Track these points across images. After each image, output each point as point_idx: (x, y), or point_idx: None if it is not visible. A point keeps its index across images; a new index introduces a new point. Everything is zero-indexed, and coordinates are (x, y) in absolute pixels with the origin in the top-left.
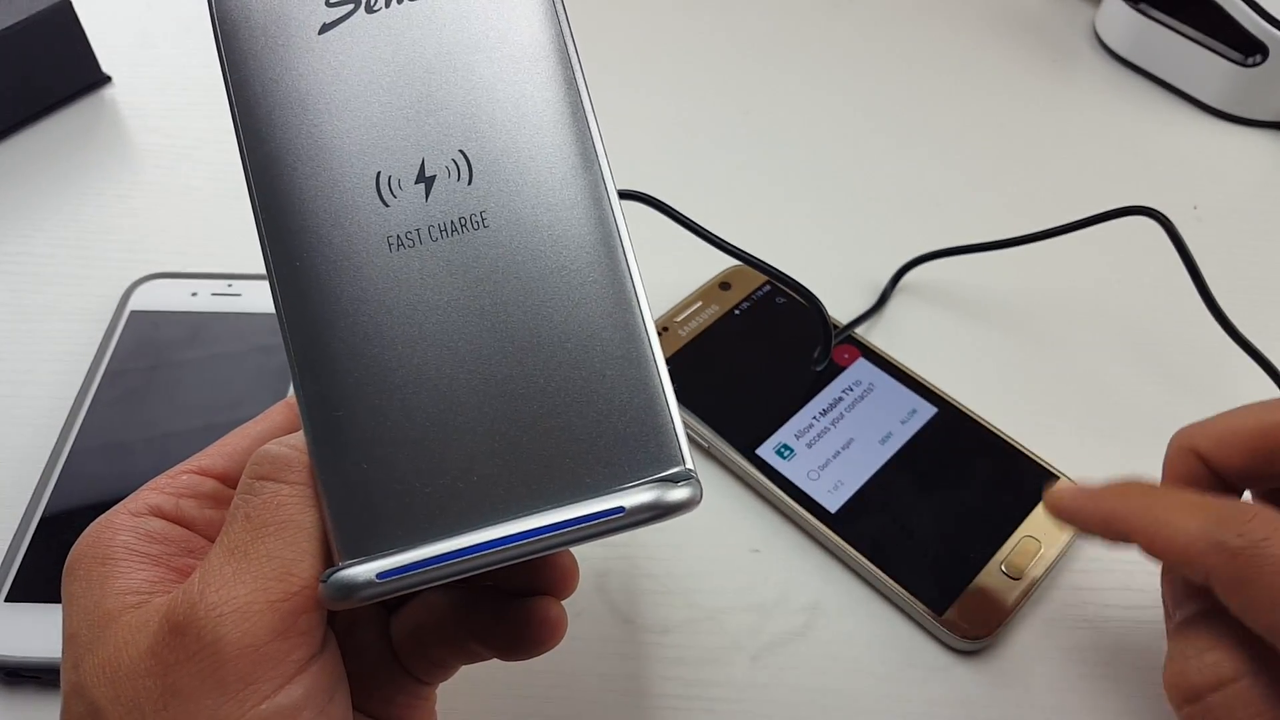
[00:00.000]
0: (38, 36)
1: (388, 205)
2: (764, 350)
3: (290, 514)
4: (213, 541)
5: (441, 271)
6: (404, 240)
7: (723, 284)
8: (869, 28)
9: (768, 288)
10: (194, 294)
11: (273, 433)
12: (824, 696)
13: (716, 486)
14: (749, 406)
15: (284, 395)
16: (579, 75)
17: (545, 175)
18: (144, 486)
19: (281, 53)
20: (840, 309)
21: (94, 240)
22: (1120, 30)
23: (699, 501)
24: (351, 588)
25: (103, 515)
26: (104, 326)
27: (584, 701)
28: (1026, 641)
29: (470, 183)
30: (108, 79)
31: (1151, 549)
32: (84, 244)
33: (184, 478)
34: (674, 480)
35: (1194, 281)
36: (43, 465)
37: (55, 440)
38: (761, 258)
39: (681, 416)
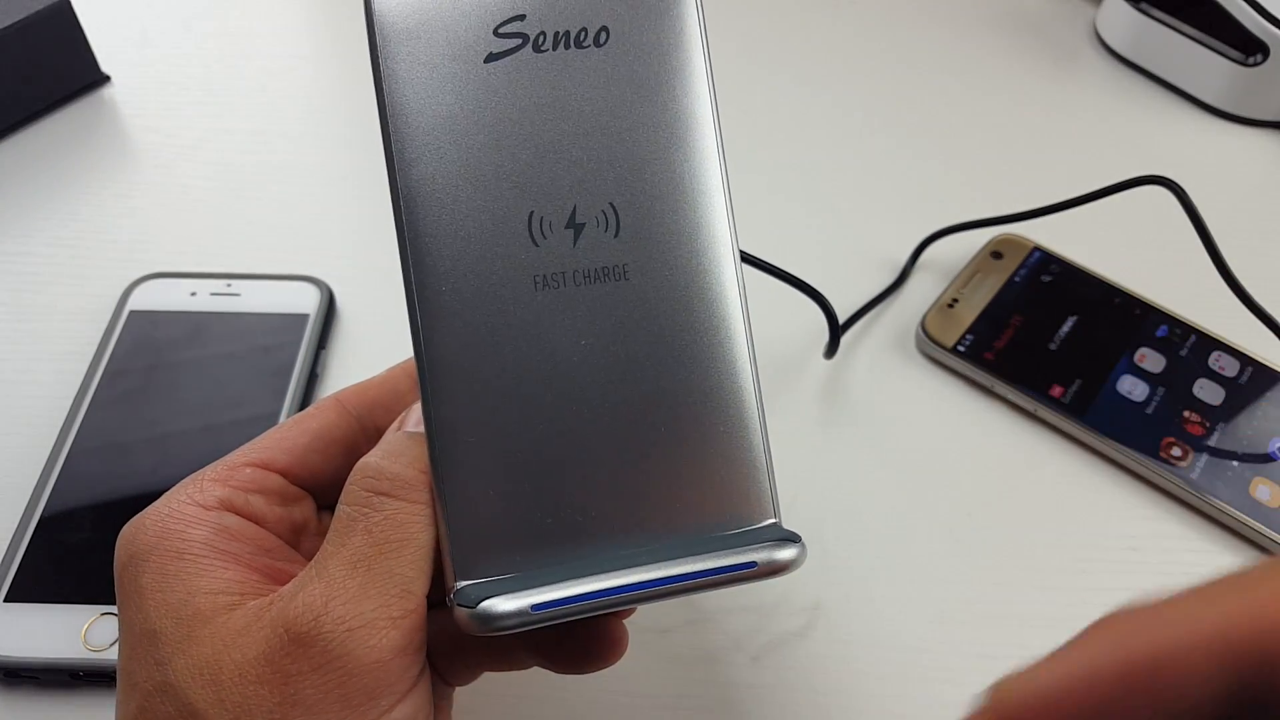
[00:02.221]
0: (37, 36)
1: (537, 245)
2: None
3: (411, 533)
4: (283, 540)
5: (581, 316)
6: (549, 281)
7: (994, 253)
8: (869, 27)
9: (1038, 255)
10: (193, 294)
11: (329, 430)
12: (824, 696)
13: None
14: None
15: (283, 395)
16: (721, 150)
17: (685, 241)
18: (201, 476)
19: (445, 74)
20: (855, 294)
21: (93, 240)
22: (1121, 30)
23: (804, 562)
24: (500, 616)
25: (161, 503)
26: (103, 326)
27: (583, 701)
28: None
29: (617, 235)
30: (107, 78)
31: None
32: (83, 243)
33: (247, 471)
34: (788, 540)
35: (1206, 248)
36: (42, 465)
37: (54, 440)
38: (764, 258)
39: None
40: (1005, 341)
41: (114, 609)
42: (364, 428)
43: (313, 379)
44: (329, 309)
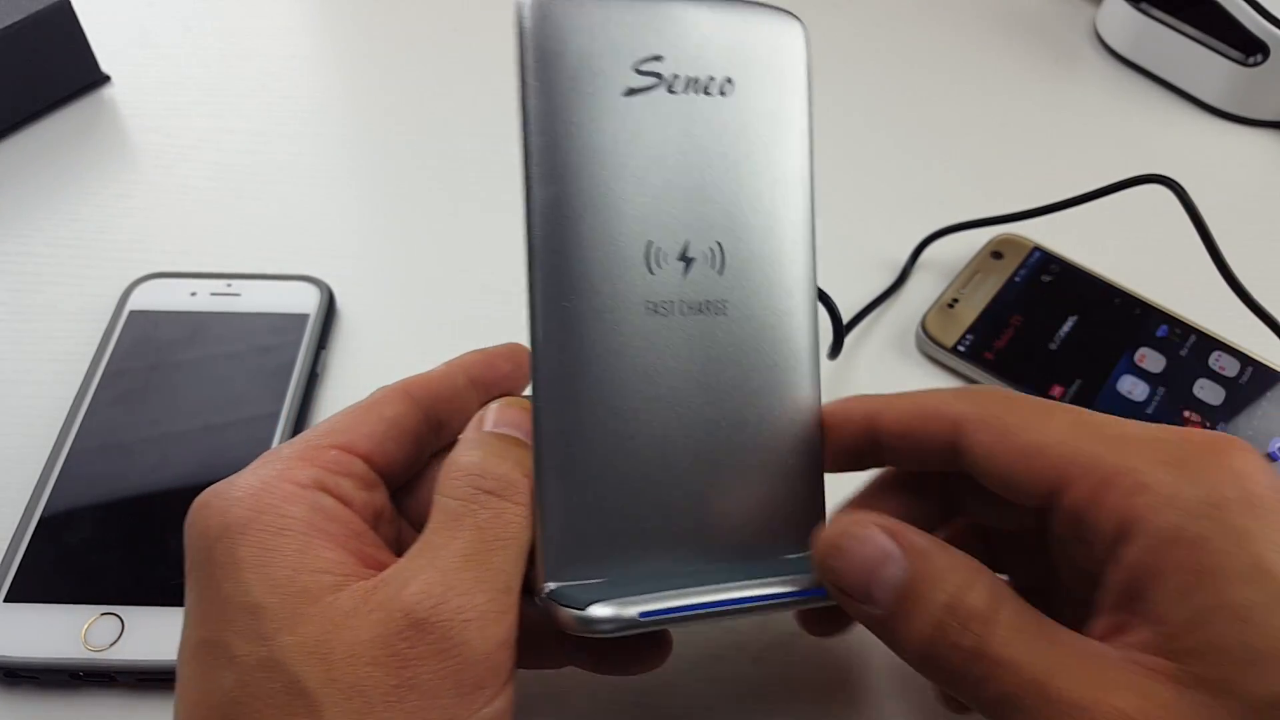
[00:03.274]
0: (37, 36)
1: (653, 273)
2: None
3: (515, 532)
4: (370, 525)
5: (683, 344)
6: (660, 308)
7: (994, 253)
8: (868, 27)
9: (1038, 255)
10: (193, 294)
11: (402, 419)
12: (824, 696)
13: None
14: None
15: (283, 395)
16: (813, 204)
17: (777, 286)
18: (282, 454)
19: (588, 101)
20: (854, 294)
21: (93, 240)
22: (1121, 29)
23: None
24: (605, 620)
25: (250, 477)
26: (103, 326)
27: (583, 702)
28: None
29: (721, 273)
30: (107, 78)
31: (903, 420)
32: (83, 243)
33: (332, 453)
34: None
35: (1207, 248)
36: (42, 465)
37: (54, 440)
38: None
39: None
40: (1005, 341)
41: (114, 609)
42: (428, 420)
43: (313, 379)
44: (329, 309)
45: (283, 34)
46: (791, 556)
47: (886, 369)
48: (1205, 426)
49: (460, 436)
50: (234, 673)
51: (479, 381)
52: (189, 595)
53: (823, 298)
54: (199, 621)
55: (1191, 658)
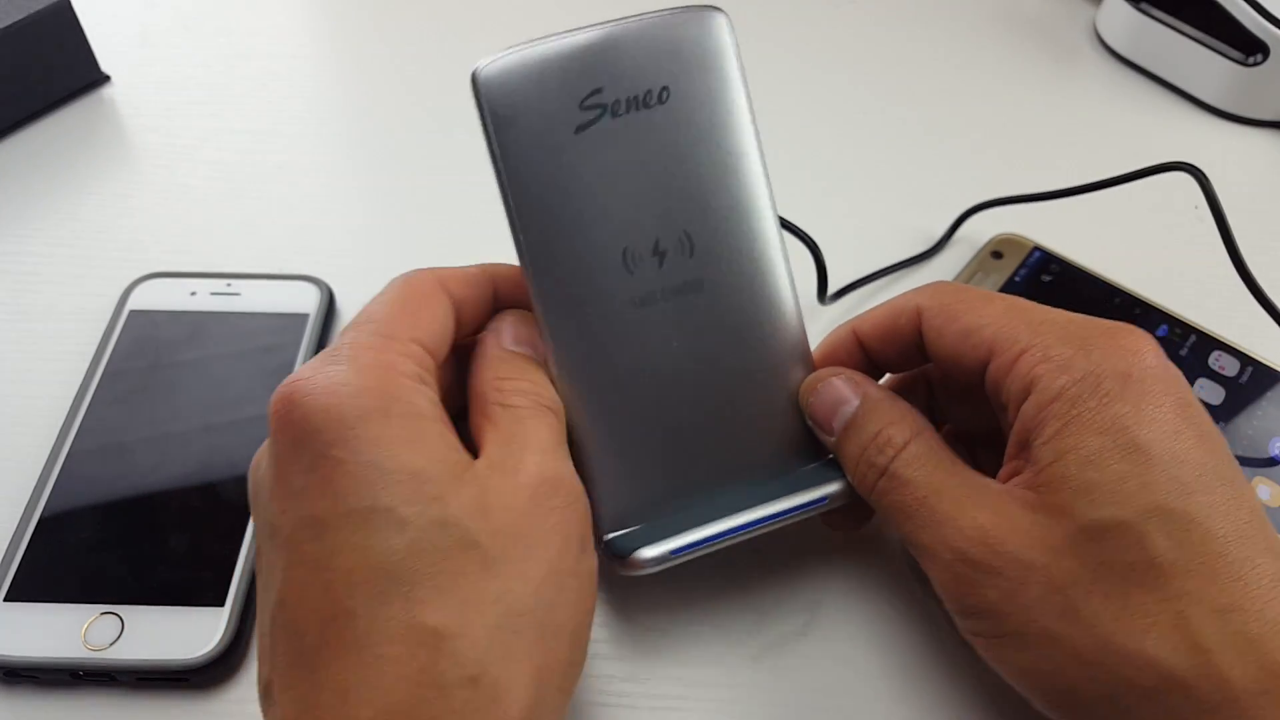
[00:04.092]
0: (37, 35)
1: (631, 274)
2: None
3: (561, 433)
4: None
5: (670, 323)
6: (645, 300)
7: (994, 253)
8: (868, 27)
9: (1038, 255)
10: (193, 293)
11: (447, 320)
12: (824, 696)
13: None
14: None
15: None
16: (766, 173)
17: (744, 251)
18: (374, 343)
19: (547, 148)
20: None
21: (93, 239)
22: (1121, 29)
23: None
24: (648, 560)
25: (359, 369)
26: (103, 326)
27: (582, 702)
28: None
29: (692, 256)
30: (107, 78)
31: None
32: (83, 243)
33: (414, 346)
34: (833, 477)
35: (1223, 239)
36: (41, 465)
37: (54, 440)
38: None
39: None
40: None
41: (114, 608)
42: (456, 321)
43: None
44: (329, 309)
45: (283, 34)
46: (804, 469)
47: None
48: None
49: (488, 347)
50: (407, 533)
51: (501, 298)
52: (316, 475)
53: (809, 243)
54: (347, 495)
55: (1046, 489)
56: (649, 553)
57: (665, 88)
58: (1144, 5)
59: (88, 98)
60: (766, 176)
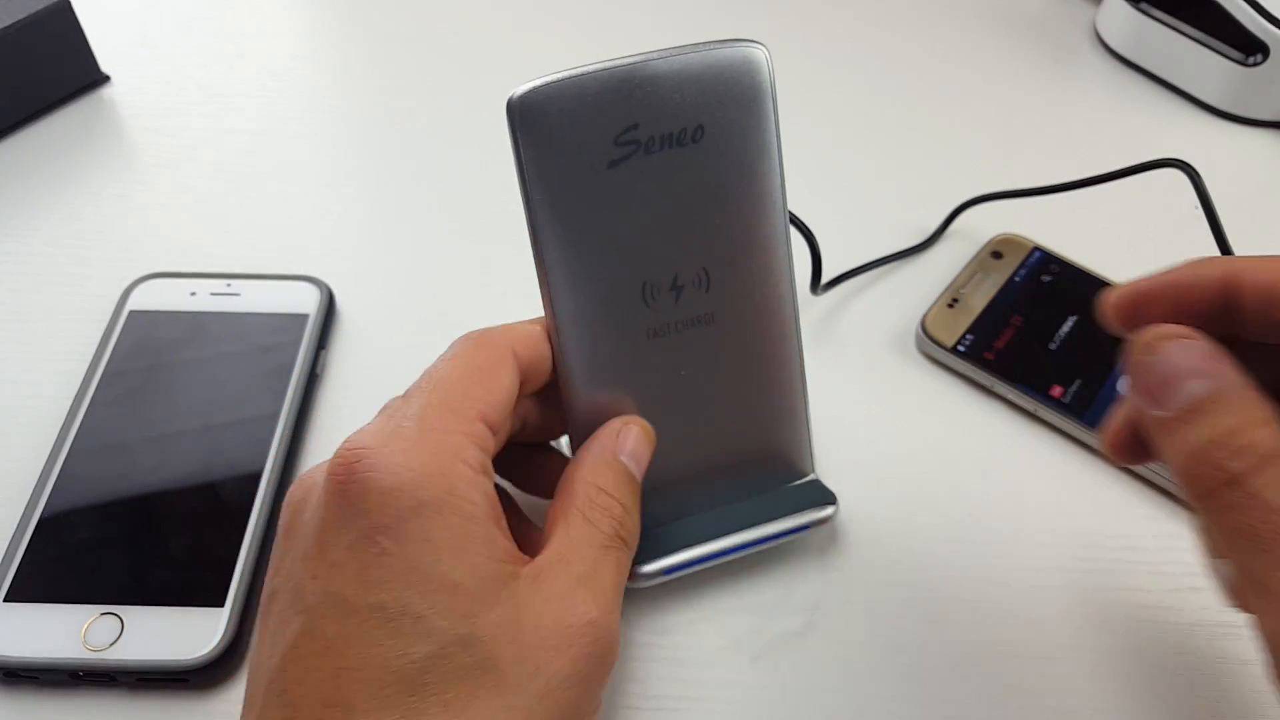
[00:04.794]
0: (37, 36)
1: (649, 306)
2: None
3: (628, 573)
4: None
5: (681, 353)
6: (659, 332)
7: (994, 253)
8: (868, 27)
9: (1038, 255)
10: (193, 294)
11: (513, 389)
12: (824, 696)
13: None
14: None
15: (283, 395)
16: (785, 212)
17: (755, 289)
18: (442, 422)
19: (579, 181)
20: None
21: (93, 240)
22: (1121, 29)
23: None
24: (645, 575)
25: (426, 452)
26: (103, 326)
27: None
28: None
29: (707, 291)
30: (107, 78)
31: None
32: (83, 243)
33: (480, 427)
34: (826, 502)
35: (1214, 235)
36: (42, 465)
37: (54, 440)
38: None
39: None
40: (1005, 341)
41: (114, 609)
42: (524, 379)
43: (313, 379)
44: (329, 309)
45: (283, 34)
46: (791, 486)
47: (885, 369)
48: None
49: (595, 449)
50: (431, 644)
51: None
52: (356, 555)
53: (806, 233)
54: (381, 587)
55: None
56: (645, 568)
57: (700, 126)
58: (1144, 5)
59: (88, 98)
60: (785, 216)
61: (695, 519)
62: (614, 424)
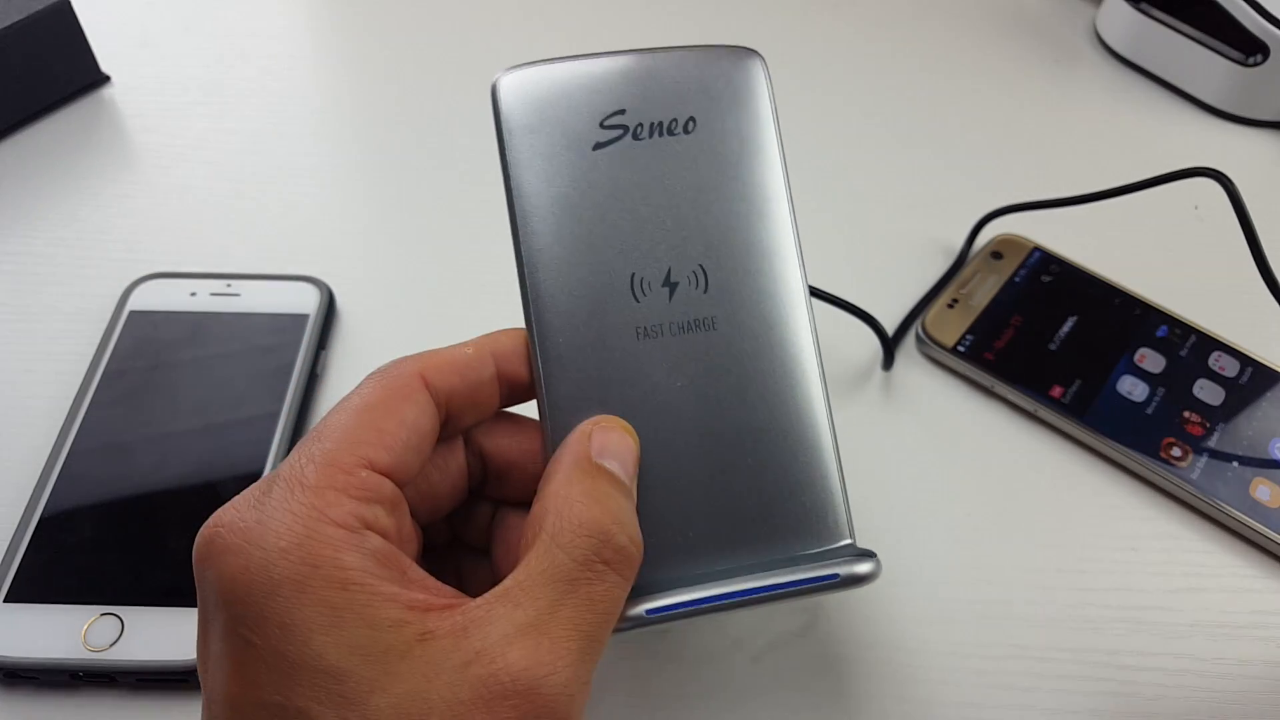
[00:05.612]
0: (37, 36)
1: (639, 301)
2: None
3: (618, 609)
4: (408, 554)
5: (676, 361)
6: (650, 331)
7: (994, 253)
8: (868, 28)
9: (1038, 255)
10: (193, 294)
11: (421, 422)
12: (824, 696)
13: None
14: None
15: (283, 395)
16: (793, 214)
17: (765, 296)
18: (313, 479)
19: (560, 161)
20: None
21: (93, 240)
22: (1121, 30)
23: (879, 575)
24: (624, 620)
25: (287, 518)
26: (103, 326)
27: None
28: None
29: (706, 292)
30: (107, 79)
31: None
32: (83, 244)
33: (362, 474)
34: (866, 555)
35: (1249, 244)
36: (42, 465)
37: (54, 440)
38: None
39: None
40: (1005, 342)
41: (114, 609)
42: (443, 416)
43: (313, 379)
44: (329, 309)
45: (283, 34)
46: (809, 552)
47: (885, 369)
48: (1205, 427)
49: (565, 459)
50: None
51: (505, 377)
52: (228, 649)
53: (868, 319)
54: (258, 683)
55: None
56: (628, 611)
57: (692, 118)
58: (1144, 6)
59: (88, 98)
60: (794, 224)
61: (696, 567)
62: (584, 426)
